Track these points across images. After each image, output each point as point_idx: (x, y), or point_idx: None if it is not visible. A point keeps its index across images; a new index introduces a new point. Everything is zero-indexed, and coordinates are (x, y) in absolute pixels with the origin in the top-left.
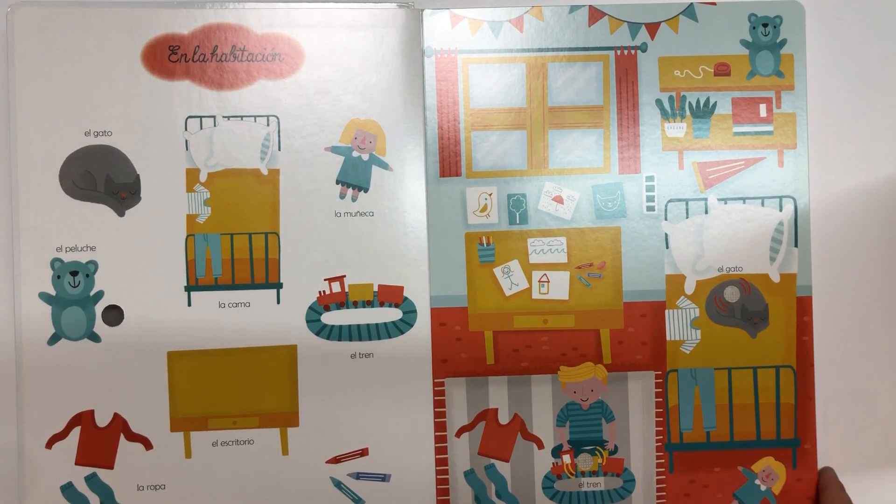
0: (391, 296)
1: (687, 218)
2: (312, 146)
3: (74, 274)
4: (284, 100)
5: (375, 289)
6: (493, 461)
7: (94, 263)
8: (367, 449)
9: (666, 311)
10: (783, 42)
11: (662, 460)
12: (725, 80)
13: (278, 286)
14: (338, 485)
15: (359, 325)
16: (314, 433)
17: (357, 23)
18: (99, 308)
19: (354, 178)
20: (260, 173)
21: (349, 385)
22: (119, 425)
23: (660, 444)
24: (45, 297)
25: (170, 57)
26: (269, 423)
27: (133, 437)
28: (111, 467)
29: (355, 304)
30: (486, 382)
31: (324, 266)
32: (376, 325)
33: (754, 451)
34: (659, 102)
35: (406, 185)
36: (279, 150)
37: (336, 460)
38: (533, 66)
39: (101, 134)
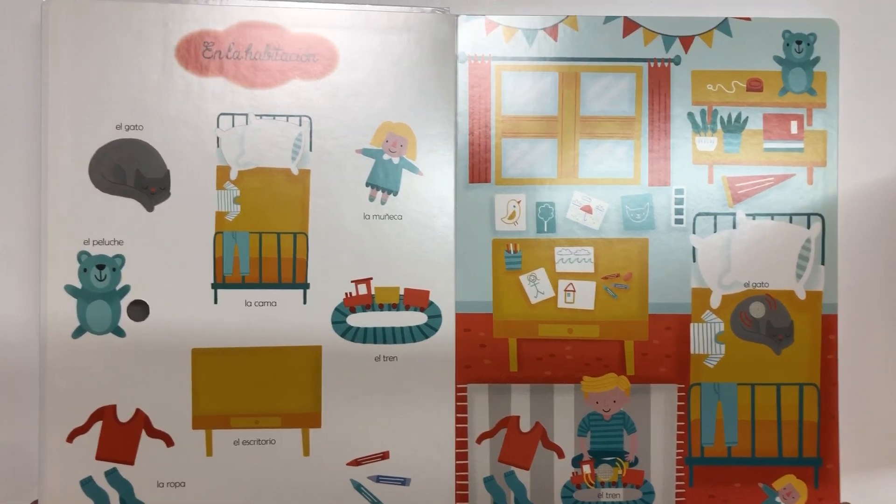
0: (417, 299)
1: (715, 232)
2: (343, 148)
3: (101, 267)
4: (317, 100)
5: (401, 292)
6: (512, 469)
7: (121, 258)
8: (387, 452)
9: (691, 325)
10: (816, 60)
11: (682, 474)
12: (757, 95)
13: (305, 286)
14: (357, 487)
15: (384, 328)
16: (336, 435)
17: (392, 26)
18: (125, 303)
19: (384, 180)
20: (290, 173)
21: (372, 387)
22: (141, 421)
23: (680, 457)
24: (70, 289)
25: (204, 53)
26: (291, 424)
27: (154, 433)
28: (132, 463)
29: (381, 307)
30: (509, 390)
31: (351, 268)
32: (401, 328)
33: (776, 469)
34: (691, 116)
35: (435, 189)
36: (310, 150)
37: (356, 462)
38: (566, 75)
39: (132, 128)
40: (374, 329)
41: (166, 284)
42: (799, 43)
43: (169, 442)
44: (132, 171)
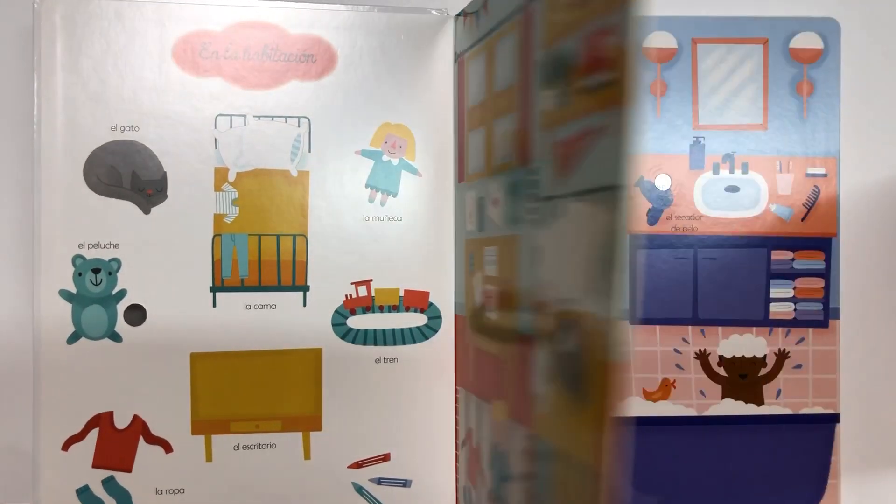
0: (417, 301)
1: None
2: (342, 149)
3: (96, 271)
4: (316, 101)
5: (401, 293)
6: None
7: (117, 261)
8: (388, 454)
9: None
10: None
11: None
12: None
13: (305, 289)
14: (359, 490)
15: (384, 330)
16: (337, 437)
17: (391, 27)
18: (121, 307)
19: (384, 182)
20: (289, 174)
21: (373, 390)
22: (139, 427)
23: None
24: (65, 294)
25: (201, 53)
26: (291, 427)
27: (153, 439)
28: (129, 470)
29: (381, 309)
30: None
31: (351, 270)
32: (401, 329)
33: None
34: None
35: (434, 190)
36: (309, 151)
37: (358, 465)
38: (490, 49)
39: (127, 129)
40: (375, 331)
41: (164, 288)
42: None
43: (168, 448)
44: (128, 173)
